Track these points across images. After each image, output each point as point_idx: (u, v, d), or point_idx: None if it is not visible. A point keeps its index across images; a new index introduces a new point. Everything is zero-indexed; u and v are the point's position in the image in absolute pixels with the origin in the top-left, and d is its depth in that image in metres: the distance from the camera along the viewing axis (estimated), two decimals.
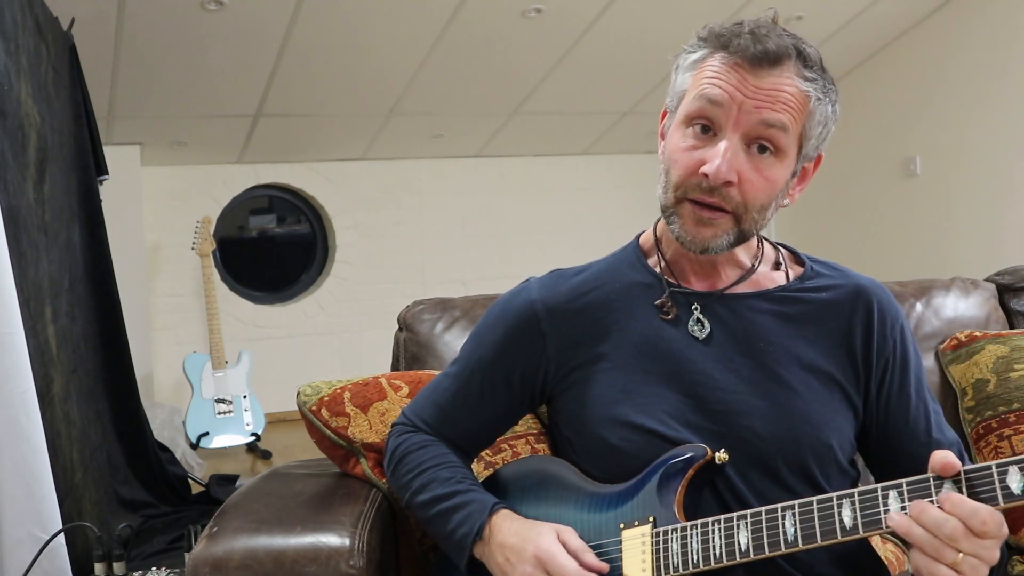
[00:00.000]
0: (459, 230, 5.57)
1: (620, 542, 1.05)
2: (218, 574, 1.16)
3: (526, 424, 1.45)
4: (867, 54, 4.96)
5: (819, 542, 0.93)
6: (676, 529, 1.02)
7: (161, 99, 4.17)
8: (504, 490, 1.21)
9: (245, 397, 4.44)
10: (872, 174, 5.08)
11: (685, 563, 0.99)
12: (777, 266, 1.19)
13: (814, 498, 0.95)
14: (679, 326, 1.13)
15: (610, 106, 5.04)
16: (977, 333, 1.69)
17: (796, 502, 0.95)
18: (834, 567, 1.07)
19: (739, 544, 0.97)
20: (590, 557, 1.04)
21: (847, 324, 1.13)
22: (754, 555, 0.96)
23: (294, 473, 1.48)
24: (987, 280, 1.89)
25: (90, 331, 2.96)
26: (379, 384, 1.47)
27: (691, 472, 1.04)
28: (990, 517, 0.85)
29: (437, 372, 1.51)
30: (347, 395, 1.44)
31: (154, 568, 2.46)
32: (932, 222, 4.77)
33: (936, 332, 1.75)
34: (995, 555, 0.87)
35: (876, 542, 1.37)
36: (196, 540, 1.75)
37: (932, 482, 0.89)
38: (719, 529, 0.99)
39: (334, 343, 5.27)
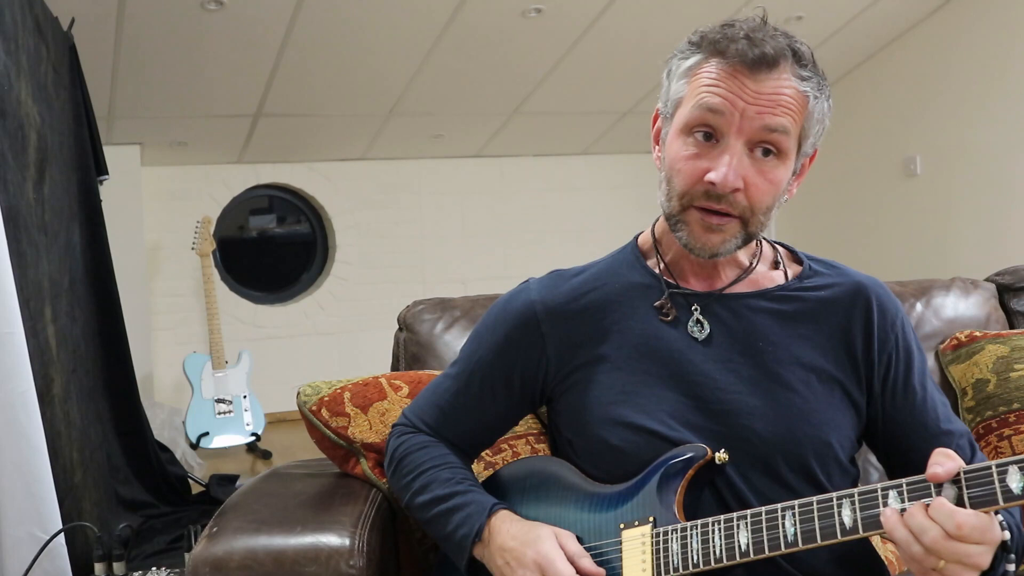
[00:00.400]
0: (459, 230, 5.57)
1: (620, 542, 1.06)
2: (218, 574, 1.16)
3: (526, 424, 1.45)
4: (867, 54, 4.96)
5: (819, 542, 0.93)
6: (676, 529, 1.02)
7: (161, 99, 4.17)
8: (504, 490, 1.21)
9: (245, 397, 4.44)
10: (872, 174, 5.07)
11: (685, 563, 0.99)
12: (775, 265, 1.19)
13: (814, 498, 0.95)
14: (678, 327, 1.13)
15: (610, 106, 5.03)
16: (977, 333, 1.69)
17: (796, 502, 0.95)
18: (835, 567, 1.07)
19: (739, 544, 0.97)
20: (587, 562, 1.04)
21: (846, 322, 1.13)
22: (754, 555, 0.96)
23: (294, 473, 1.48)
24: (987, 280, 1.89)
25: (90, 331, 2.96)
26: (379, 384, 1.47)
27: (691, 472, 1.04)
28: (966, 521, 0.84)
29: (437, 372, 1.51)
30: (347, 395, 1.44)
31: (154, 568, 2.46)
32: (932, 222, 4.77)
33: (936, 332, 1.75)
34: (982, 561, 0.86)
35: (876, 542, 1.37)
36: (196, 540, 1.75)
37: (932, 482, 0.89)
38: (719, 529, 0.99)
39: (334, 343, 5.27)
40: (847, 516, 0.92)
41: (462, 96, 4.62)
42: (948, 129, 4.62)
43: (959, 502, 0.86)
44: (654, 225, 1.21)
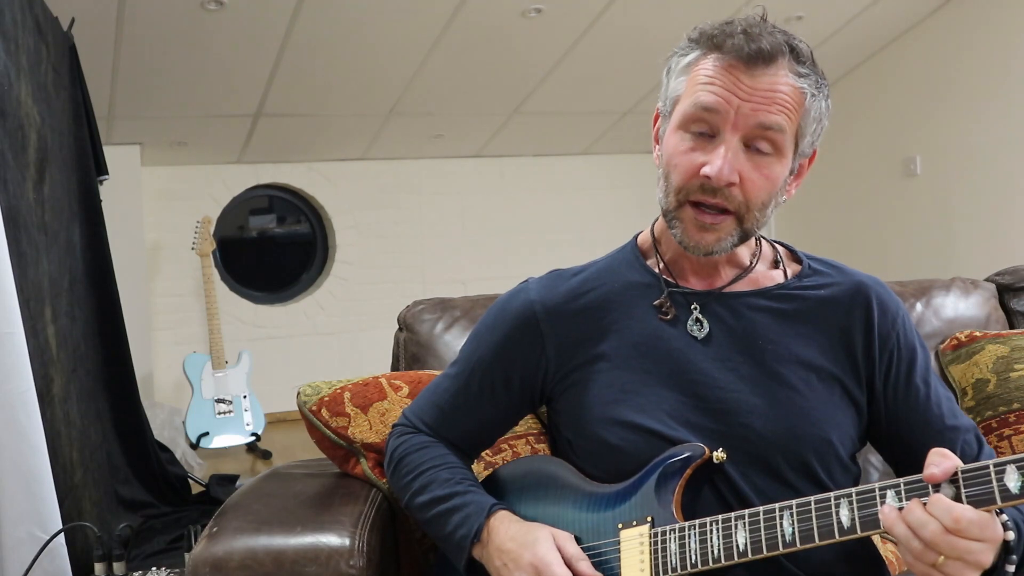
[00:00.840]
0: (459, 230, 5.57)
1: (618, 542, 1.06)
2: (218, 574, 1.16)
3: (526, 424, 1.45)
4: (867, 54, 4.96)
5: (817, 542, 0.93)
6: (674, 529, 1.02)
7: (161, 99, 4.17)
8: (503, 490, 1.21)
9: (245, 397, 4.44)
10: (872, 174, 5.08)
11: (683, 563, 0.99)
12: (775, 264, 1.19)
13: (812, 498, 0.95)
14: (678, 326, 1.13)
15: (610, 106, 5.04)
16: (977, 333, 1.69)
17: (794, 502, 0.95)
18: (836, 566, 1.07)
19: (737, 544, 0.97)
20: (585, 566, 1.04)
21: (846, 321, 1.13)
22: (752, 555, 0.96)
23: (294, 473, 1.48)
24: (987, 280, 1.89)
25: (90, 331, 2.96)
26: (379, 384, 1.47)
27: (689, 471, 1.04)
28: (964, 515, 0.84)
29: (437, 372, 1.51)
30: (347, 395, 1.44)
31: (154, 568, 2.46)
32: (932, 222, 4.77)
33: (936, 332, 1.75)
34: (983, 559, 0.86)
35: (877, 542, 1.37)
36: (196, 540, 1.75)
37: (929, 483, 0.88)
38: (717, 529, 0.99)
39: (334, 343, 5.27)
40: (845, 516, 0.92)
41: (462, 96, 4.62)
42: (948, 129, 4.62)
43: (957, 501, 0.86)
44: (654, 224, 1.21)
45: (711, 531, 0.99)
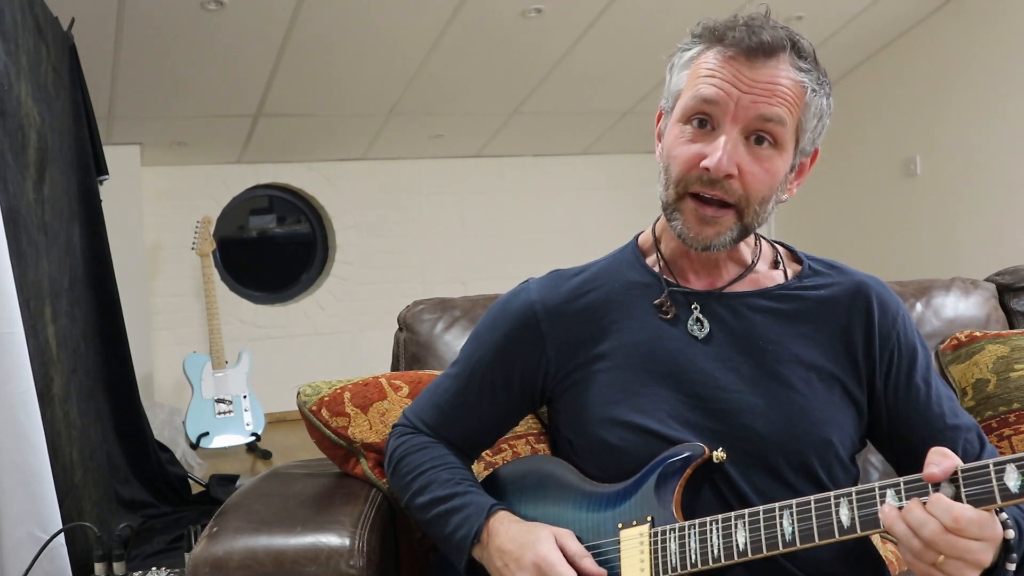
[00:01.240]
0: (459, 230, 5.57)
1: (618, 542, 1.05)
2: (218, 574, 1.16)
3: (526, 424, 1.45)
4: (867, 54, 4.96)
5: (817, 541, 0.93)
6: (674, 529, 1.02)
7: (161, 99, 4.17)
8: (503, 490, 1.21)
9: (245, 397, 4.44)
10: (872, 174, 5.08)
11: (683, 563, 0.99)
12: (775, 265, 1.19)
13: (811, 497, 0.95)
14: (678, 325, 1.13)
15: (610, 106, 5.04)
16: (977, 333, 1.69)
17: (794, 501, 0.95)
18: (836, 566, 1.07)
19: (737, 544, 0.97)
20: (588, 563, 1.04)
21: (846, 321, 1.13)
22: (752, 554, 0.96)
23: (294, 473, 1.48)
24: (987, 280, 1.88)
25: (90, 331, 2.96)
26: (379, 384, 1.47)
27: (689, 471, 1.04)
28: (964, 514, 0.84)
29: (437, 372, 1.51)
30: (347, 395, 1.44)
31: (154, 568, 2.46)
32: (932, 222, 4.77)
33: (936, 332, 1.75)
34: (983, 558, 0.85)
35: (877, 542, 1.37)
36: (196, 540, 1.75)
37: (929, 482, 0.88)
38: (717, 529, 0.99)
39: (334, 343, 5.27)
40: (845, 515, 0.92)
41: (462, 96, 4.62)
42: (948, 129, 4.62)
43: (957, 500, 0.86)
44: (655, 224, 1.21)
45: (711, 531, 0.99)
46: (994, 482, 0.84)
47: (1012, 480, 0.84)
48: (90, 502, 2.62)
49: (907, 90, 4.83)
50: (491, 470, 1.29)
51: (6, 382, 1.94)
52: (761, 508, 0.97)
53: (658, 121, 1.17)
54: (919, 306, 1.78)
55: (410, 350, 1.69)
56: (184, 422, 4.26)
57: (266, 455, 4.31)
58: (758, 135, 1.05)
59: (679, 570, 1.00)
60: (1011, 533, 0.88)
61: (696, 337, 1.12)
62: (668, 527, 1.02)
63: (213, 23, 3.58)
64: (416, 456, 1.22)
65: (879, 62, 4.97)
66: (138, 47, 3.66)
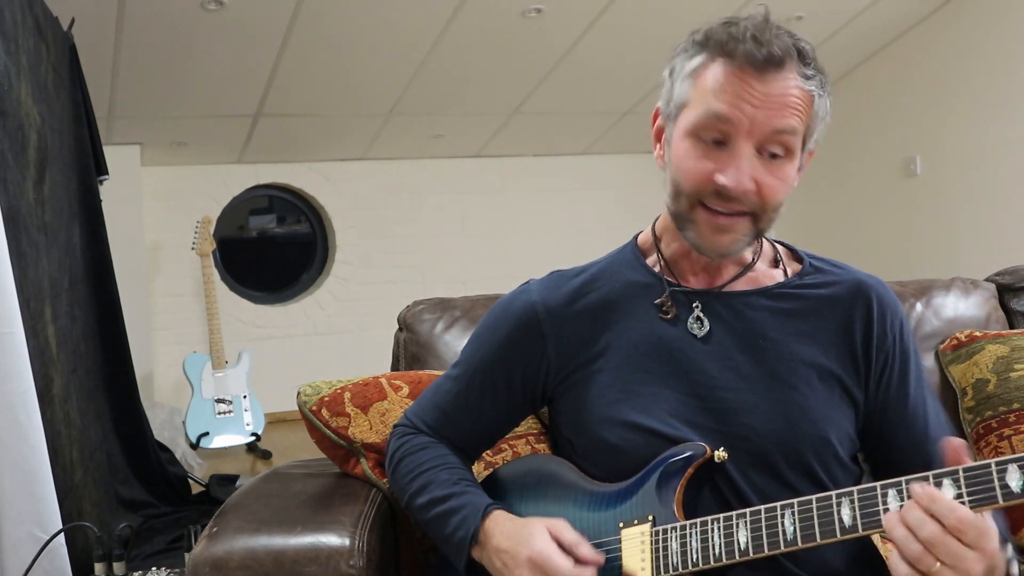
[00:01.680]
0: (459, 230, 5.57)
1: (619, 541, 1.05)
2: (218, 574, 1.16)
3: (526, 424, 1.45)
4: (867, 54, 4.97)
5: (818, 541, 0.93)
6: (675, 528, 1.02)
7: (161, 99, 4.17)
8: (503, 489, 1.21)
9: (245, 397, 4.44)
10: (872, 174, 5.08)
11: (684, 562, 0.99)
12: (775, 263, 1.19)
13: (813, 497, 0.94)
14: (679, 325, 1.13)
15: (610, 106, 5.04)
16: (977, 333, 1.69)
17: (795, 500, 0.95)
18: (836, 566, 1.07)
19: (738, 543, 0.97)
20: (585, 549, 1.04)
21: (846, 320, 1.13)
22: (753, 554, 0.96)
23: (294, 473, 1.48)
24: (987, 280, 1.88)
25: (90, 331, 2.96)
26: (379, 384, 1.47)
27: (690, 471, 1.04)
28: (966, 515, 0.84)
29: (437, 372, 1.51)
30: (347, 395, 1.44)
31: (154, 568, 2.46)
32: (932, 222, 4.77)
33: (936, 332, 1.75)
34: (974, 569, 0.84)
35: (877, 541, 1.37)
36: (196, 540, 1.75)
37: (932, 480, 0.88)
38: (718, 528, 0.99)
39: (334, 343, 5.27)
40: (846, 515, 0.92)
41: (462, 96, 4.62)
42: (948, 129, 4.62)
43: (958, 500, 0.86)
44: (654, 224, 1.21)
45: (712, 530, 0.99)
46: (996, 482, 0.84)
47: (1014, 480, 0.83)
48: (90, 502, 2.62)
49: (907, 90, 4.83)
50: (491, 470, 1.29)
51: (6, 382, 1.94)
52: (763, 507, 0.97)
53: (654, 121, 1.16)
54: (919, 306, 1.78)
55: (410, 350, 1.69)
56: (184, 422, 4.26)
57: (266, 455, 4.31)
58: (772, 148, 1.05)
59: (680, 569, 0.99)
60: (1009, 551, 0.87)
61: (696, 336, 1.12)
62: (669, 526, 1.02)
63: (213, 23, 3.58)
64: (416, 456, 1.22)
65: (879, 62, 4.97)
66: (138, 47, 3.66)
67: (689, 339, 1.12)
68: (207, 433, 4.28)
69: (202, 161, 4.96)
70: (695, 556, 0.99)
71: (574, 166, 5.79)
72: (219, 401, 4.38)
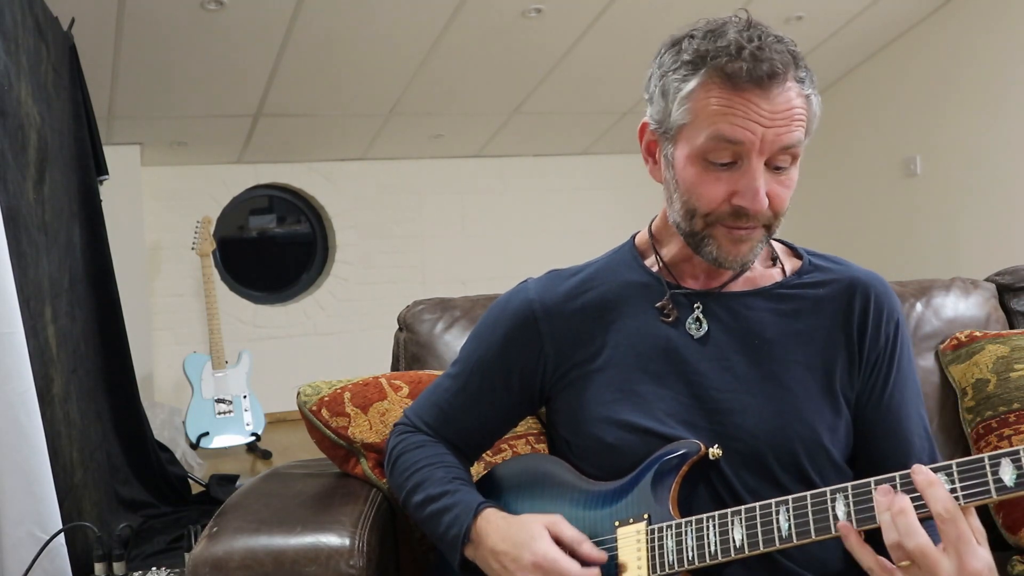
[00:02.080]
0: (459, 230, 5.57)
1: (615, 540, 1.06)
2: (218, 574, 1.16)
3: (526, 424, 1.45)
4: (867, 54, 4.96)
5: (813, 537, 0.93)
6: (671, 526, 1.02)
7: (161, 99, 4.17)
8: (499, 488, 1.21)
9: (245, 397, 4.44)
10: (872, 174, 5.08)
11: (680, 560, 1.00)
12: (773, 262, 1.19)
13: (808, 493, 0.95)
14: (677, 325, 1.14)
15: (610, 106, 5.04)
16: (977, 333, 1.69)
17: (790, 497, 0.96)
18: (832, 562, 1.07)
19: (734, 540, 0.97)
20: (587, 547, 1.04)
21: (844, 317, 1.13)
22: (749, 551, 0.96)
23: (294, 473, 1.48)
24: (987, 280, 1.88)
25: (90, 331, 2.96)
26: (379, 384, 1.47)
27: (685, 468, 1.04)
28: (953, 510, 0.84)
29: (437, 372, 1.51)
30: (347, 395, 1.44)
31: (154, 568, 2.46)
32: (932, 222, 4.77)
33: (936, 332, 1.75)
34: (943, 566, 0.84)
35: None
36: (196, 540, 1.75)
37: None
38: (714, 525, 0.99)
39: (334, 343, 5.27)
40: (841, 511, 0.92)
41: (462, 96, 4.62)
42: (948, 129, 4.62)
43: (952, 494, 0.86)
44: (651, 224, 1.21)
45: (708, 528, 0.99)
46: (989, 476, 0.84)
47: (1007, 474, 0.84)
48: (90, 502, 2.62)
49: (907, 90, 4.83)
50: (489, 469, 1.29)
51: (6, 382, 1.94)
52: (757, 504, 0.97)
53: (641, 135, 1.14)
54: (919, 306, 1.77)
55: (410, 350, 1.69)
56: (184, 422, 4.26)
57: (266, 455, 4.31)
58: (780, 160, 1.04)
59: (676, 567, 1.00)
60: None
61: (693, 337, 1.13)
62: (665, 524, 1.02)
63: (213, 23, 3.58)
64: (413, 454, 1.22)
65: (879, 62, 4.97)
66: (138, 47, 3.66)
67: (686, 340, 1.12)
68: (207, 433, 4.28)
69: (202, 161, 4.96)
70: (691, 554, 0.99)
71: (574, 166, 5.79)
72: (219, 401, 4.38)
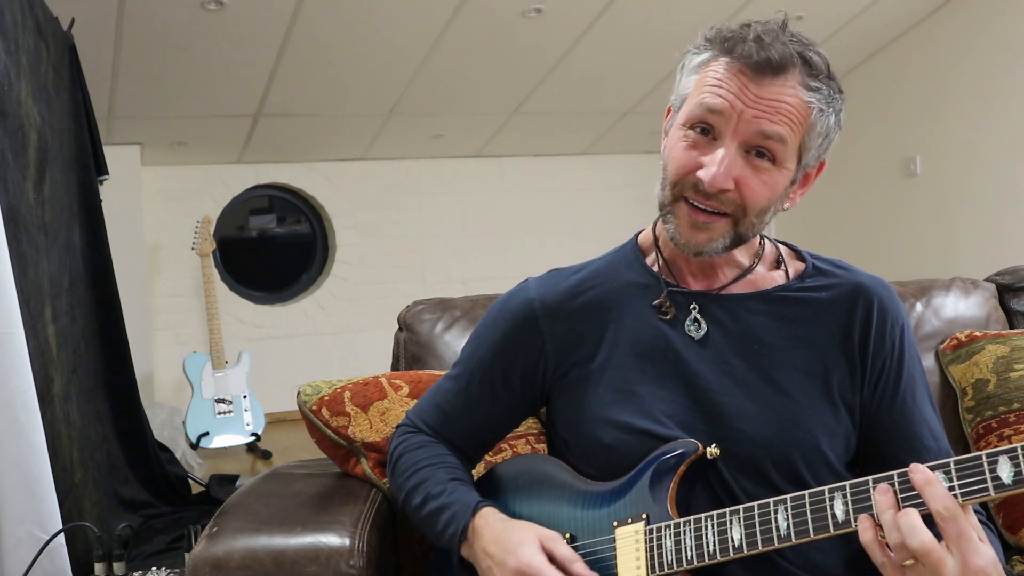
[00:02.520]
0: (459, 230, 5.57)
1: (614, 540, 1.05)
2: (218, 574, 1.16)
3: (526, 424, 1.45)
4: (867, 54, 4.96)
5: (812, 536, 0.93)
6: (669, 526, 1.01)
7: (161, 99, 4.17)
8: (498, 488, 1.21)
9: (245, 397, 4.44)
10: (872, 174, 5.08)
11: (679, 560, 0.99)
12: (777, 265, 1.18)
13: (806, 492, 0.94)
14: (676, 326, 1.13)
15: (610, 106, 5.04)
16: (977, 333, 1.69)
17: (788, 496, 0.95)
18: (831, 561, 1.06)
19: (732, 540, 0.97)
20: (579, 567, 1.03)
21: (846, 323, 1.12)
22: (747, 550, 0.96)
23: (294, 473, 1.48)
24: (987, 280, 1.88)
25: (90, 331, 2.96)
26: (379, 384, 1.47)
27: (683, 468, 1.04)
28: (953, 507, 0.84)
29: (437, 372, 1.51)
30: (347, 395, 1.44)
31: (154, 568, 2.46)
32: (932, 222, 4.77)
33: (936, 332, 1.75)
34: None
35: None
36: (196, 540, 1.75)
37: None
38: (712, 525, 0.99)
39: (334, 343, 5.27)
40: (839, 509, 0.92)
41: (462, 96, 4.62)
42: (948, 129, 4.62)
43: (951, 491, 0.85)
44: (654, 224, 1.21)
45: (706, 527, 0.99)
46: (987, 473, 0.84)
47: (1005, 472, 0.83)
48: (90, 502, 2.62)
49: (907, 90, 4.83)
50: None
51: (6, 382, 1.94)
52: (755, 504, 0.97)
53: (667, 116, 1.16)
54: (919, 306, 1.77)
55: (410, 350, 1.69)
56: (184, 422, 4.26)
57: (266, 455, 4.31)
58: (758, 150, 1.04)
59: (675, 567, 0.99)
60: None
61: (693, 337, 1.12)
62: (663, 524, 1.02)
63: (213, 23, 3.58)
64: (413, 454, 1.22)
65: (879, 62, 4.97)
66: (138, 47, 3.66)
67: (686, 341, 1.12)
68: (207, 433, 4.28)
69: (202, 161, 4.96)
70: (689, 554, 0.99)
71: (574, 166, 5.79)
72: (219, 401, 4.38)
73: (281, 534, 1.21)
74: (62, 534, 2.07)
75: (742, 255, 1.16)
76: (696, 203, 1.06)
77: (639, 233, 1.24)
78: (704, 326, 1.13)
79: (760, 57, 1.02)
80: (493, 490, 1.21)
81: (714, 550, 0.97)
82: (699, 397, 1.09)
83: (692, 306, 1.14)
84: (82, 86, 3.05)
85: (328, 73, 4.15)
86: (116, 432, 3.14)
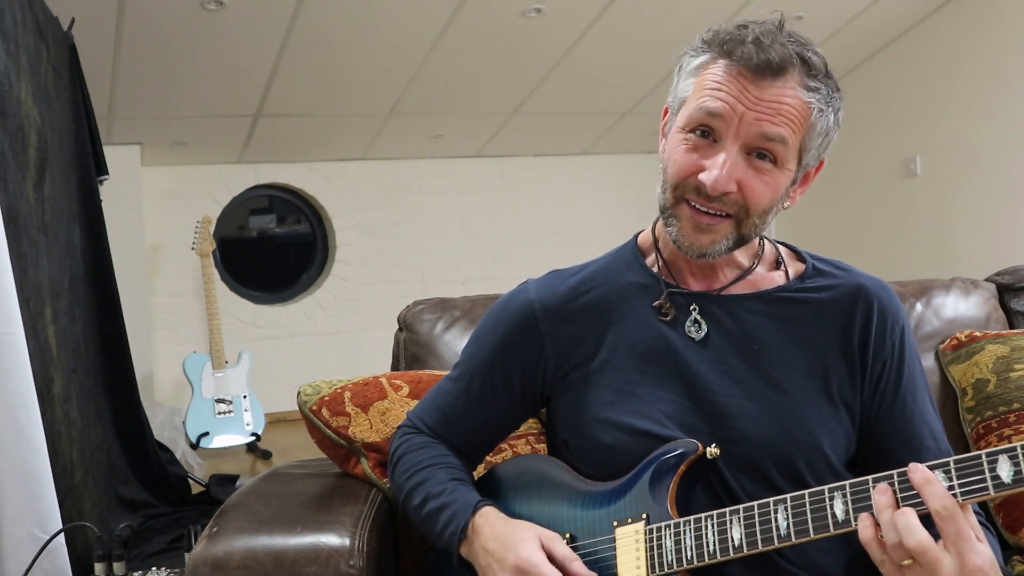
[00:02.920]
0: (459, 230, 5.57)
1: (614, 540, 1.06)
2: (218, 574, 1.16)
3: (526, 424, 1.45)
4: (867, 54, 4.96)
5: (812, 535, 0.93)
6: (669, 526, 1.01)
7: (161, 99, 4.17)
8: (498, 488, 1.21)
9: (245, 397, 4.44)
10: (872, 174, 5.08)
11: (679, 560, 0.99)
12: (776, 266, 1.18)
13: (806, 491, 0.94)
14: (676, 327, 1.13)
15: (610, 106, 5.04)
16: (977, 333, 1.69)
17: (788, 496, 0.95)
18: (831, 561, 1.06)
19: (732, 539, 0.97)
20: (578, 566, 1.03)
21: (846, 324, 1.12)
22: (747, 550, 0.96)
23: (294, 473, 1.48)
24: (987, 280, 1.88)
25: (90, 331, 2.96)
26: (379, 384, 1.47)
27: (683, 468, 1.04)
28: (952, 506, 0.84)
29: (437, 372, 1.51)
30: (347, 395, 1.44)
31: (154, 568, 2.46)
32: (932, 222, 4.77)
33: (936, 332, 1.75)
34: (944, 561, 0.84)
35: None
36: (196, 540, 1.75)
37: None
38: (712, 525, 0.99)
39: (334, 343, 5.27)
40: (839, 509, 0.92)
41: (462, 96, 4.62)
42: (948, 129, 4.62)
43: (950, 491, 0.85)
44: (654, 224, 1.21)
45: (706, 527, 0.99)
46: (987, 472, 0.84)
47: (1005, 471, 0.83)
48: (90, 502, 2.62)
49: (907, 90, 4.83)
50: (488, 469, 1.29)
51: (6, 382, 1.94)
52: (755, 503, 0.97)
53: (664, 117, 1.16)
54: (919, 306, 1.77)
55: (410, 350, 1.69)
56: (184, 422, 4.26)
57: (266, 455, 4.31)
58: (759, 151, 1.04)
59: (675, 567, 0.99)
60: None
61: (693, 338, 1.12)
62: (663, 524, 1.02)
63: (213, 23, 3.58)
64: (414, 455, 1.22)
65: (879, 62, 4.97)
66: (138, 47, 3.66)
67: (686, 341, 1.12)
68: (207, 433, 4.28)
69: (202, 161, 4.96)
70: (689, 554, 0.99)
71: (574, 166, 5.79)
72: (219, 401, 4.38)
73: (281, 534, 1.21)
74: (62, 534, 2.07)
75: (742, 256, 1.16)
76: (698, 205, 1.06)
77: (638, 234, 1.24)
78: (704, 327, 1.13)
79: (760, 59, 1.01)
80: (493, 490, 1.21)
81: (714, 550, 0.97)
82: (699, 398, 1.09)
83: (692, 307, 1.14)
84: (82, 86, 3.05)
85: (328, 73, 4.15)
86: (116, 432, 3.14)
